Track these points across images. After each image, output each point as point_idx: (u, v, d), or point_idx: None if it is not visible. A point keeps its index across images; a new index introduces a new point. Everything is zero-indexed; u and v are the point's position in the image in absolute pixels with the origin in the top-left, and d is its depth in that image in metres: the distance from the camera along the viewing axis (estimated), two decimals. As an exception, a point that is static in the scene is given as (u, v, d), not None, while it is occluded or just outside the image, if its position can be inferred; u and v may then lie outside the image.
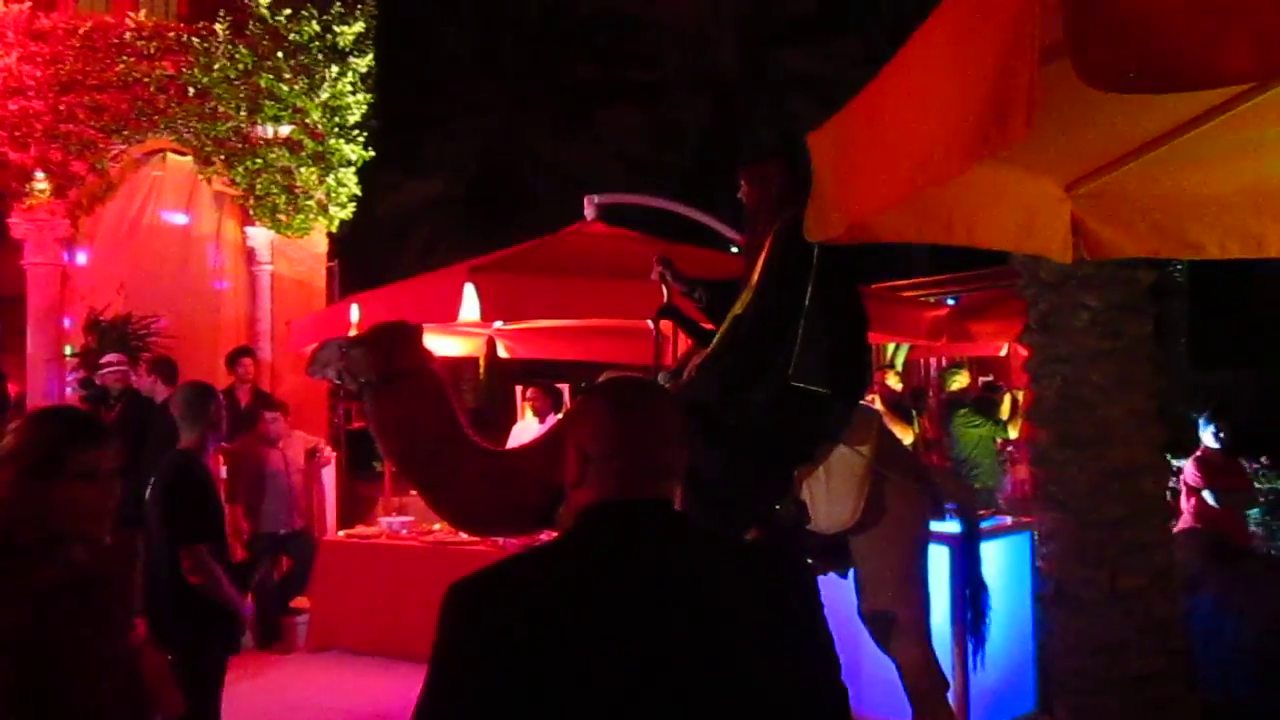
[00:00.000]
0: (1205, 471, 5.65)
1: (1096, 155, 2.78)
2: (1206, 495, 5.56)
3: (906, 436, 7.88)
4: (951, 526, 4.50)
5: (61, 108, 8.82)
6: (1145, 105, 2.36)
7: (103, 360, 7.21)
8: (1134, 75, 1.48)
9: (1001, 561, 4.87)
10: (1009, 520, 5.23)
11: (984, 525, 4.76)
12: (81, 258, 9.23)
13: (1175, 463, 5.74)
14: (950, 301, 9.84)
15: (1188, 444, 6.10)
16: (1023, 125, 1.63)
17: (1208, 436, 5.79)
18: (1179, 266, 8.76)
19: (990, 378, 9.79)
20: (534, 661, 1.40)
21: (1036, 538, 4.58)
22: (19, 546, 1.91)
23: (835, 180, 2.60)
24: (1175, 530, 3.85)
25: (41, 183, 8.75)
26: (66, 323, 9.05)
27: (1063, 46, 1.63)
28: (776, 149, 3.88)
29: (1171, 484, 5.24)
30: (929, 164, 2.02)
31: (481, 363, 9.64)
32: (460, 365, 10.04)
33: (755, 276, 3.69)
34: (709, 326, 4.08)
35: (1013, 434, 8.22)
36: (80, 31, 8.90)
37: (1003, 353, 10.10)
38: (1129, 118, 2.46)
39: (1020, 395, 8.09)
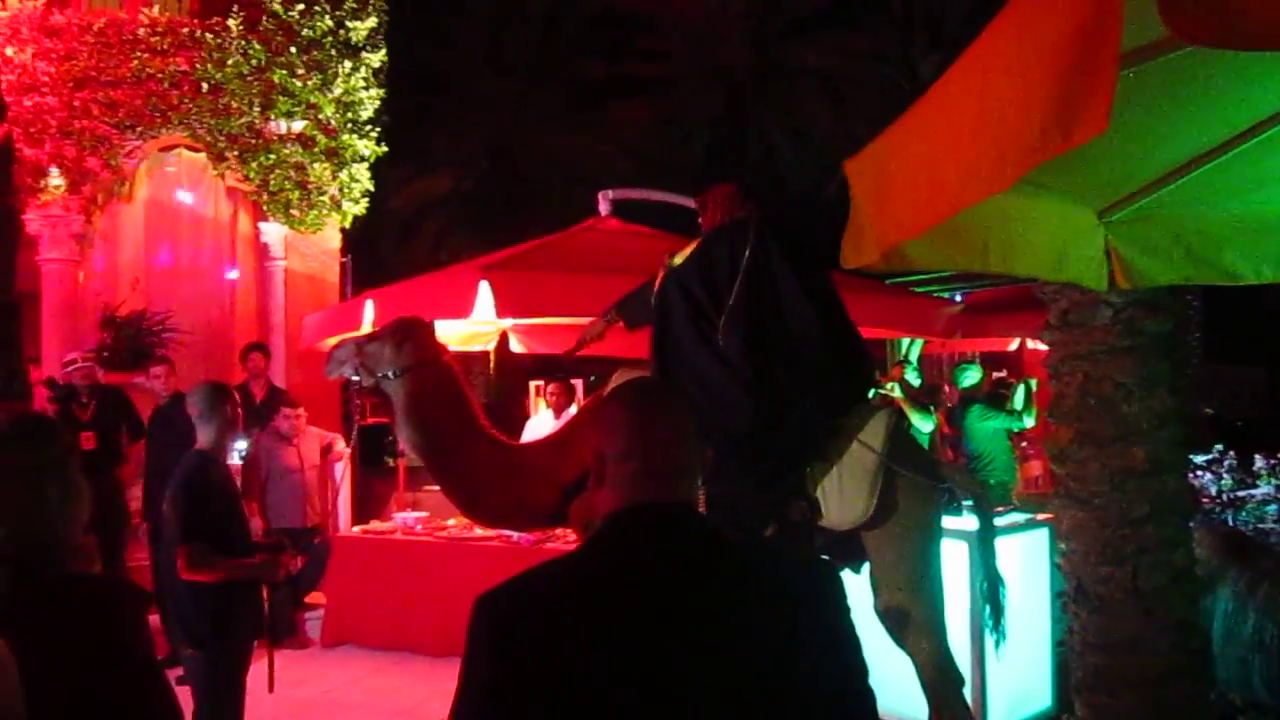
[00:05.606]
0: None
1: (1130, 182, 2.76)
2: None
3: (927, 426, 7.89)
4: (967, 522, 4.49)
5: (75, 104, 8.83)
6: (1178, 131, 2.33)
7: (65, 359, 7.19)
8: (1226, 33, 1.42)
9: (1019, 558, 4.86)
10: (1024, 517, 5.21)
11: (1001, 521, 4.74)
12: (97, 254, 9.25)
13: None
14: (958, 297, 9.80)
15: (1203, 440, 6.09)
16: (1103, 117, 1.51)
17: None
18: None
19: (1004, 373, 9.74)
20: (560, 672, 1.40)
21: (1054, 535, 4.57)
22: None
23: (873, 206, 2.56)
24: (1193, 526, 3.81)
25: (56, 179, 8.76)
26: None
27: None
28: (729, 175, 4.16)
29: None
30: (978, 175, 1.93)
31: (492, 357, 9.62)
32: (471, 359, 10.03)
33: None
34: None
35: (1029, 422, 8.12)
36: (94, 28, 8.92)
37: (1013, 346, 10.06)
38: (1162, 143, 2.43)
39: (1034, 383, 8.03)
